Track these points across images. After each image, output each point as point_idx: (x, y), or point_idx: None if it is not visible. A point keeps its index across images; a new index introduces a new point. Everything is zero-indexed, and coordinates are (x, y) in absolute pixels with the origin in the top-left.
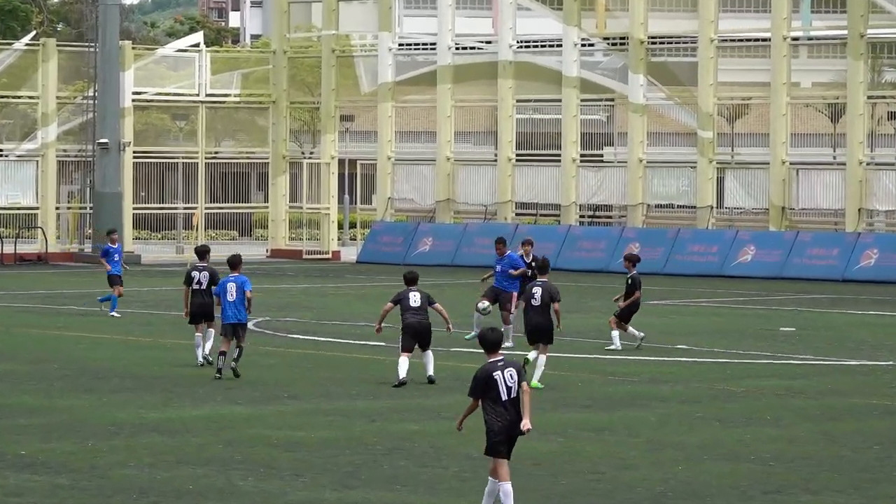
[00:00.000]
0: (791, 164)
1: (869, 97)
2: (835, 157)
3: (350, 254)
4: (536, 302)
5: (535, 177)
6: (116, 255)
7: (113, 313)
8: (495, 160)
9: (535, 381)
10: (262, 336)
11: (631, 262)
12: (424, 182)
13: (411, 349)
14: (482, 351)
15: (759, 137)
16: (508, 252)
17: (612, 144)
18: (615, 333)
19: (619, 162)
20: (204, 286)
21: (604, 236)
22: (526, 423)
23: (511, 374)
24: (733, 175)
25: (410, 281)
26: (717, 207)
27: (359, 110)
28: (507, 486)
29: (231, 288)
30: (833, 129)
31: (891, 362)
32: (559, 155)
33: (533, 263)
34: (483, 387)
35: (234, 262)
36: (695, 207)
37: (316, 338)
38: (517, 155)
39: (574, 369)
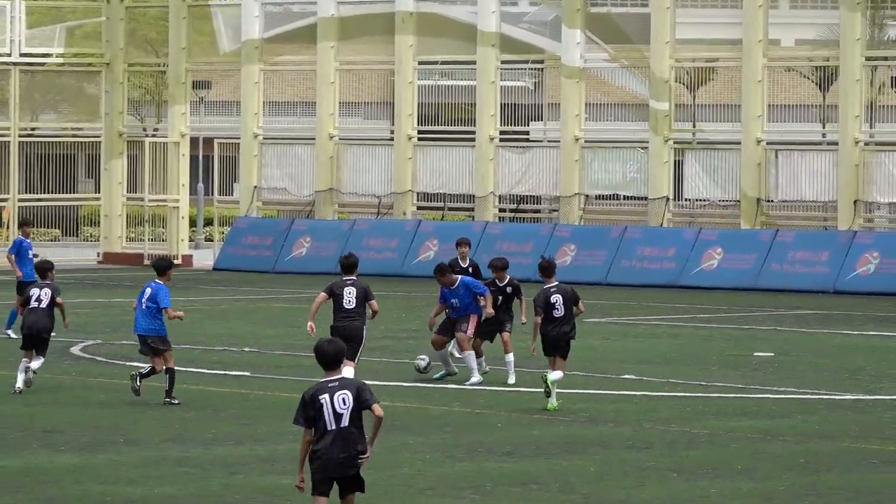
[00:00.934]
0: (769, 143)
1: (868, 59)
2: (824, 136)
3: (205, 258)
4: (559, 312)
5: (443, 160)
6: (30, 253)
7: (9, 331)
8: (392, 139)
9: (553, 403)
10: (93, 364)
11: (502, 269)
12: (301, 167)
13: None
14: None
15: (727, 110)
16: (461, 278)
17: (540, 119)
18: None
19: (549, 141)
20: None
21: (530, 236)
22: (369, 450)
23: (344, 398)
24: (695, 158)
25: (348, 268)
26: (674, 199)
27: (217, 75)
28: None
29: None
30: (822, 99)
31: (893, 396)
32: (473, 132)
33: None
34: (308, 413)
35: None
36: (646, 199)
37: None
38: (420, 132)
39: (493, 405)
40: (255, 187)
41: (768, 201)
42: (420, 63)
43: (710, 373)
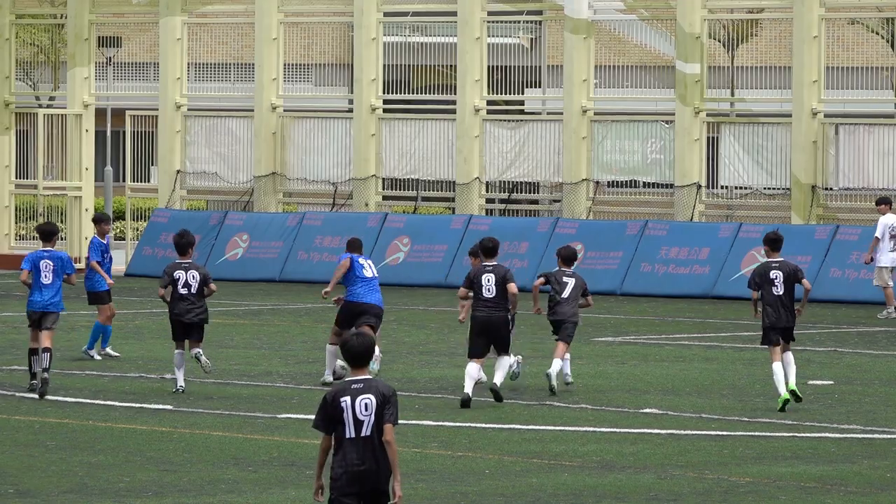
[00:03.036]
0: (827, 116)
1: None
2: None
3: (115, 261)
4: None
5: (415, 137)
6: (106, 255)
7: (108, 349)
8: (350, 111)
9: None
10: None
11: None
12: (236, 146)
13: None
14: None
15: (774, 74)
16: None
17: (538, 86)
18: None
19: (549, 114)
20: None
21: (526, 233)
22: (396, 490)
23: (367, 404)
24: (734, 134)
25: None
26: (707, 187)
27: (129, 29)
28: None
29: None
30: (895, 60)
31: None
32: (453, 103)
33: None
34: (328, 416)
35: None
36: (672, 187)
37: (61, 398)
38: (386, 102)
39: (479, 446)
40: (178, 172)
41: (826, 190)
42: (386, 15)
43: (754, 405)
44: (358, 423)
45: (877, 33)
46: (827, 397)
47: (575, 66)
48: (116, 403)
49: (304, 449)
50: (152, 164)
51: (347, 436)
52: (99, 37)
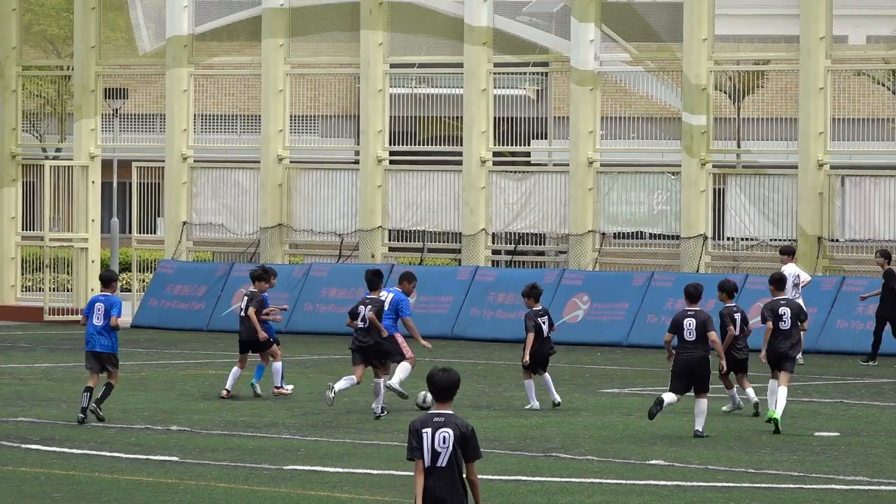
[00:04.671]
0: (833, 167)
1: None
2: None
3: (122, 312)
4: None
5: (422, 189)
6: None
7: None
8: (357, 162)
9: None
10: None
11: (533, 297)
12: (242, 197)
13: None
14: None
15: (781, 125)
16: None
17: (544, 137)
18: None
19: (555, 165)
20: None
21: None
22: None
23: (445, 437)
24: (740, 186)
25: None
26: (714, 238)
27: (135, 81)
28: None
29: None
30: None
31: None
32: (460, 154)
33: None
34: (413, 443)
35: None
36: (678, 238)
37: (66, 449)
38: (392, 154)
39: (489, 496)
40: (185, 223)
41: (832, 241)
42: (392, 66)
43: (760, 457)
44: (435, 455)
45: (883, 85)
46: (833, 449)
47: (581, 117)
48: (122, 455)
49: (310, 501)
50: (158, 216)
51: (425, 465)
52: (105, 88)
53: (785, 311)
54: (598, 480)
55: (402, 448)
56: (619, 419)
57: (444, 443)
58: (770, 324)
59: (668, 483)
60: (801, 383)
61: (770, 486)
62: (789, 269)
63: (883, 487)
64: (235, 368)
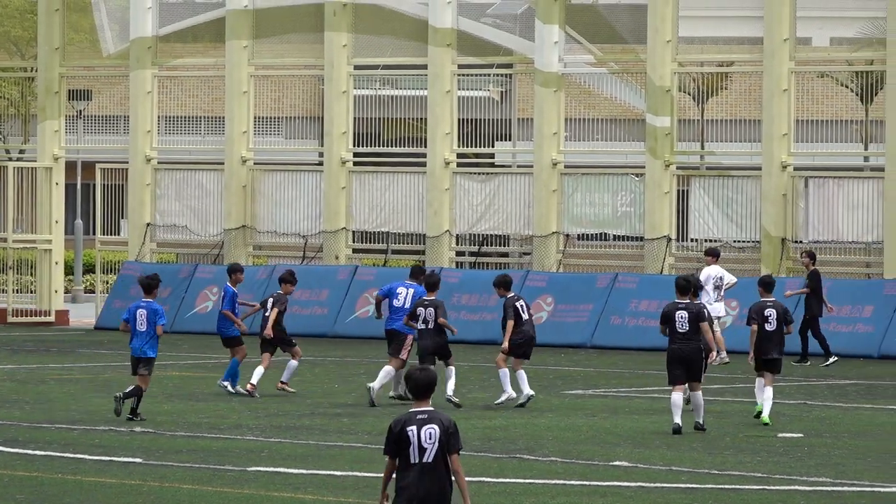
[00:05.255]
0: (797, 169)
1: None
2: (867, 160)
3: (85, 314)
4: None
5: (385, 190)
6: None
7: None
8: (320, 164)
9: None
10: None
11: (504, 286)
12: (206, 199)
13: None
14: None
15: (744, 127)
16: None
17: (508, 138)
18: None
19: (519, 166)
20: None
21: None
22: None
23: (431, 433)
24: (703, 187)
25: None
26: (677, 240)
27: (99, 83)
28: None
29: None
30: (864, 113)
31: None
32: (424, 155)
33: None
34: (395, 442)
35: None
36: (642, 239)
37: (30, 451)
38: (356, 155)
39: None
40: (148, 224)
41: (796, 242)
42: (356, 68)
43: (724, 458)
44: (422, 451)
45: (846, 86)
46: (796, 450)
47: (545, 119)
48: (86, 456)
49: (274, 502)
50: (122, 217)
51: (412, 461)
52: (69, 90)
53: (771, 312)
54: (561, 482)
55: (367, 449)
56: (582, 420)
57: (430, 438)
58: (755, 326)
59: (632, 484)
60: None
61: (733, 488)
62: (713, 271)
63: (846, 489)
64: (292, 361)
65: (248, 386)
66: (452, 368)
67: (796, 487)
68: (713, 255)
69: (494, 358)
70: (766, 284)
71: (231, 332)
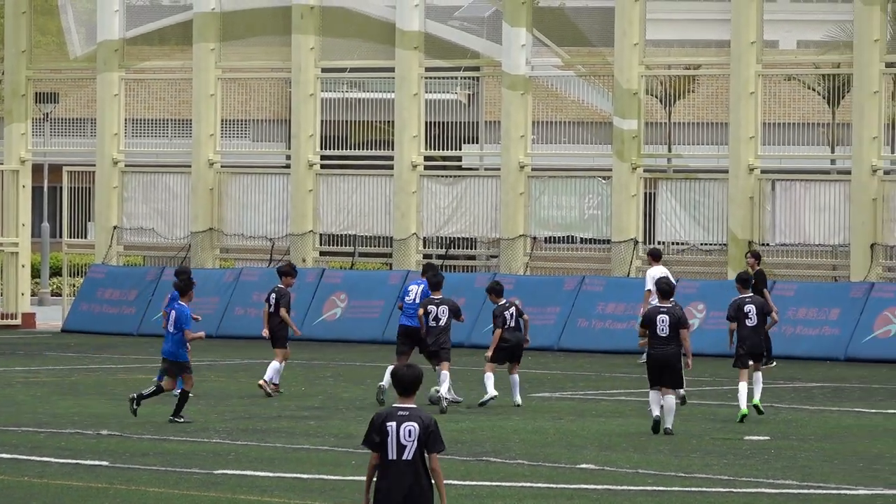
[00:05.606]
0: (763, 172)
1: (889, 65)
2: (833, 163)
3: (51, 317)
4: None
5: (353, 193)
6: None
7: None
8: (288, 167)
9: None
10: None
11: (495, 293)
12: (173, 202)
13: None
14: None
15: (711, 130)
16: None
17: (475, 141)
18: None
19: (487, 169)
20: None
21: (463, 288)
22: None
23: (410, 431)
24: (671, 190)
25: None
26: (644, 243)
27: (66, 85)
28: None
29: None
30: (831, 115)
31: None
32: (391, 158)
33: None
34: (376, 433)
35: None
36: (609, 242)
37: None
38: (323, 158)
39: None
40: (115, 227)
41: (763, 245)
42: (324, 71)
43: (690, 461)
44: (401, 448)
45: (813, 90)
46: (763, 453)
47: (512, 121)
48: (52, 460)
49: None
50: (89, 220)
51: (390, 457)
52: (36, 93)
53: (750, 308)
54: (528, 484)
55: (333, 452)
56: (549, 423)
57: (409, 436)
58: (733, 325)
59: (599, 487)
60: (731, 387)
61: (700, 490)
62: (656, 272)
63: (812, 491)
64: (275, 362)
65: (272, 389)
66: (447, 373)
67: (763, 490)
68: (655, 256)
69: (463, 360)
70: (744, 281)
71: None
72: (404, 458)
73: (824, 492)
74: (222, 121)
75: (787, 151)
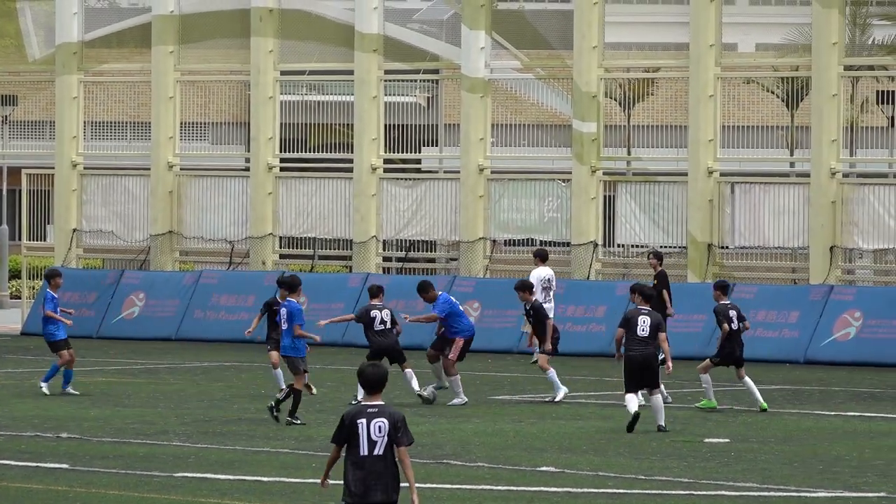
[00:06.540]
0: (722, 175)
1: (847, 68)
2: (792, 165)
3: (10, 320)
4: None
5: (312, 196)
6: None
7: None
8: (247, 169)
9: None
10: None
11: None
12: (132, 204)
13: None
14: None
15: (670, 133)
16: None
17: (435, 144)
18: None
19: (446, 172)
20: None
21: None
22: (415, 501)
23: (380, 426)
24: (630, 193)
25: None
26: (604, 245)
27: (25, 88)
28: None
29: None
30: (790, 118)
31: (882, 493)
32: (350, 161)
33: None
34: (346, 432)
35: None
36: (569, 245)
37: None
38: (282, 161)
39: None
40: (74, 230)
41: (722, 248)
42: (283, 73)
43: (651, 463)
44: (372, 443)
45: (772, 92)
46: (723, 455)
47: (471, 124)
48: (12, 462)
49: None
50: (48, 223)
51: (362, 453)
52: None
53: (733, 313)
54: (488, 487)
55: (293, 455)
56: (510, 426)
57: (379, 432)
58: (727, 326)
59: (559, 490)
60: (692, 390)
61: (660, 493)
62: (542, 273)
63: (772, 493)
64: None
65: (280, 394)
66: (410, 371)
67: (723, 493)
68: (541, 257)
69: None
70: (724, 287)
71: (58, 336)
72: (375, 453)
73: (784, 494)
74: (181, 123)
75: (746, 154)
